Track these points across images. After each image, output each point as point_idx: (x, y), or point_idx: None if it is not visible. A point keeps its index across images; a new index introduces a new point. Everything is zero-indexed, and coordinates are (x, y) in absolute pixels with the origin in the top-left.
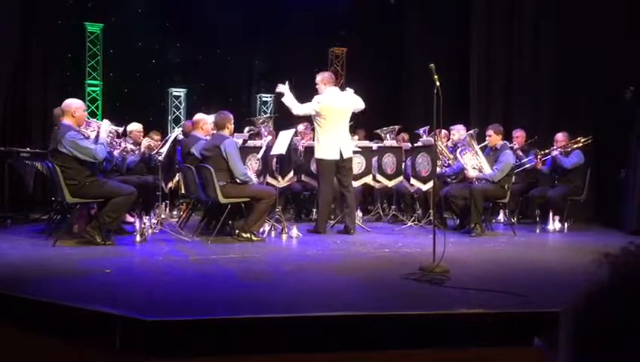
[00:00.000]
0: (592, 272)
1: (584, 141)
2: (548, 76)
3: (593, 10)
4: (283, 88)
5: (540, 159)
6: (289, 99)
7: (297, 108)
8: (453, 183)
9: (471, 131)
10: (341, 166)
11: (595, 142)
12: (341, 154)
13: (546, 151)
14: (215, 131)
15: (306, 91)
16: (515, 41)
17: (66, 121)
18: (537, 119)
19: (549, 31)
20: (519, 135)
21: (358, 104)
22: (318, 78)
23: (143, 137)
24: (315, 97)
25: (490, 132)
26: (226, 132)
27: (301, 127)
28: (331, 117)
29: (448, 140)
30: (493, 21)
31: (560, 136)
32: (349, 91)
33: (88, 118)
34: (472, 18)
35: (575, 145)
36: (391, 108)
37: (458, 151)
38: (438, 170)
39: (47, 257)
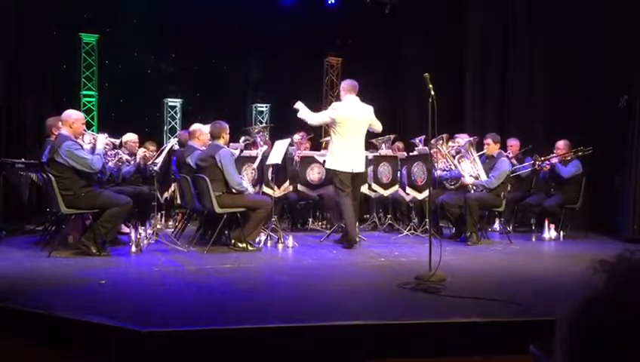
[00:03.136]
0: (588, 279)
1: (584, 151)
2: (543, 84)
3: (589, 16)
4: (298, 105)
5: (539, 165)
6: (303, 112)
7: (311, 118)
8: (451, 189)
9: (470, 139)
10: (353, 177)
11: (591, 151)
12: (352, 168)
13: (546, 157)
14: (210, 141)
15: (301, 100)
16: (510, 48)
17: (64, 131)
18: (532, 127)
19: (545, 38)
20: (513, 144)
21: (376, 125)
22: (342, 85)
23: (138, 148)
24: (333, 104)
25: (488, 140)
26: (221, 141)
27: (297, 136)
28: (346, 126)
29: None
30: (489, 30)
31: (561, 144)
32: (370, 108)
33: (85, 131)
34: (468, 26)
35: (574, 155)
36: (386, 117)
37: (457, 157)
38: (438, 172)
39: (42, 268)
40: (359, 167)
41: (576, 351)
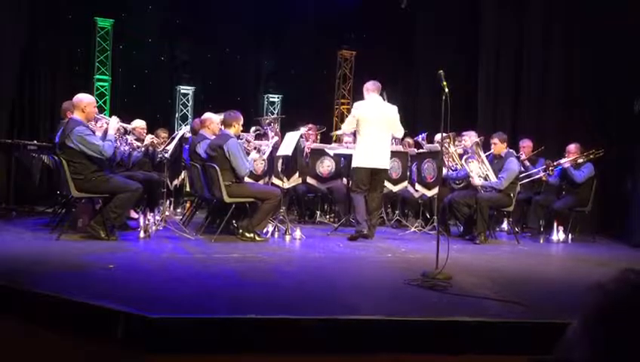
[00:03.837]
0: (612, 288)
1: (596, 153)
2: (557, 84)
3: (606, 15)
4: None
5: (551, 170)
6: (340, 131)
7: (345, 129)
8: (459, 188)
9: (477, 140)
10: (374, 173)
11: (602, 153)
12: (374, 165)
13: (557, 162)
14: (221, 128)
15: (313, 92)
16: (525, 47)
17: (76, 115)
18: (545, 127)
19: (560, 36)
20: (526, 145)
21: (396, 129)
22: (365, 84)
23: (148, 134)
24: (355, 104)
25: (495, 140)
26: (231, 130)
27: (303, 129)
28: (366, 125)
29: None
30: (503, 26)
31: (572, 148)
32: (393, 108)
33: (97, 115)
34: (482, 22)
35: (586, 158)
36: (399, 112)
37: (464, 158)
38: (444, 171)
39: (50, 251)
40: (382, 163)
41: (597, 355)
